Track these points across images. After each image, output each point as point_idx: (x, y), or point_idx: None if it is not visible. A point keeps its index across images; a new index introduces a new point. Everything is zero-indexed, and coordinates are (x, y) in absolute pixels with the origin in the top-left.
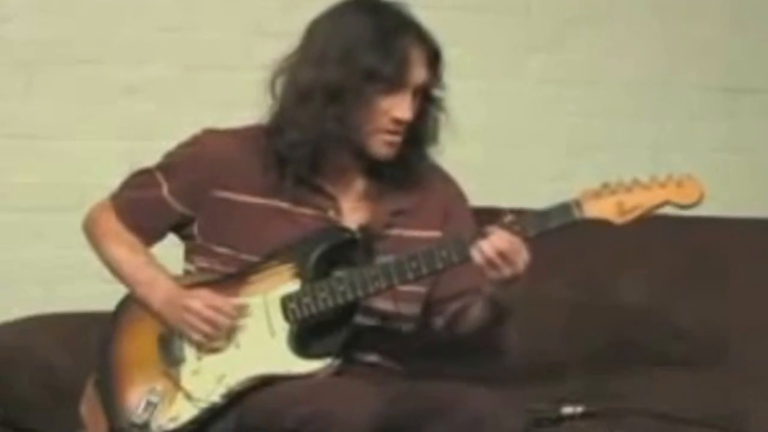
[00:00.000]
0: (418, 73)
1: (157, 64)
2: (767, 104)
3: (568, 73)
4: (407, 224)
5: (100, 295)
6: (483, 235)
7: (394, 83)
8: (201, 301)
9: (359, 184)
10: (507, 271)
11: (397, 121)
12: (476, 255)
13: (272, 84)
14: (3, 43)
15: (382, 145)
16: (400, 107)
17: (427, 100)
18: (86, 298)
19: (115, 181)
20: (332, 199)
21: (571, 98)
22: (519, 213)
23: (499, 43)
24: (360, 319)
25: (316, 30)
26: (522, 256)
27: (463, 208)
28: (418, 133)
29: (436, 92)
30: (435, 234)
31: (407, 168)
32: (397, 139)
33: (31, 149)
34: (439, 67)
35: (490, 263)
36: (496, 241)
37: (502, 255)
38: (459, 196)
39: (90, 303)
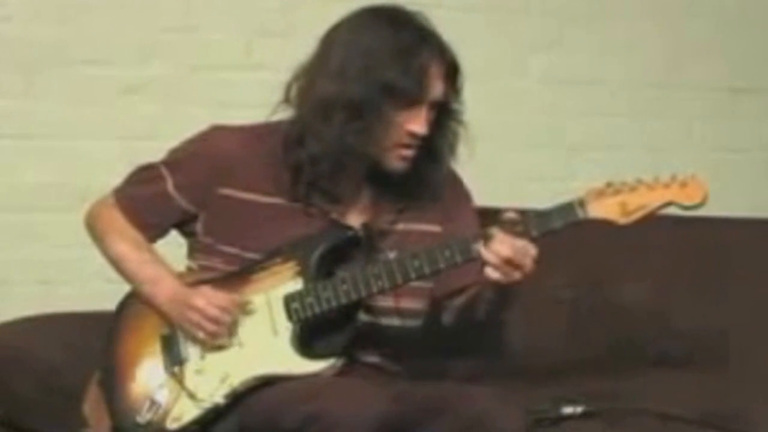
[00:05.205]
0: (436, 88)
1: (158, 64)
2: (767, 104)
3: (568, 73)
4: (411, 218)
5: (100, 295)
6: (486, 237)
7: (412, 98)
8: (205, 299)
9: (368, 192)
10: (516, 275)
11: (413, 135)
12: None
13: (288, 90)
14: (3, 43)
15: (397, 159)
16: (416, 121)
17: (444, 114)
18: (86, 298)
19: (115, 181)
20: (339, 202)
21: (571, 98)
22: (522, 213)
23: (499, 43)
24: (363, 317)
25: (334, 40)
26: (530, 257)
27: (467, 207)
28: (433, 147)
29: (454, 105)
30: (435, 228)
31: (421, 180)
32: (410, 152)
33: (31, 149)
34: (457, 80)
35: (498, 269)
36: (499, 249)
37: (508, 261)
38: (464, 195)
39: (90, 303)
